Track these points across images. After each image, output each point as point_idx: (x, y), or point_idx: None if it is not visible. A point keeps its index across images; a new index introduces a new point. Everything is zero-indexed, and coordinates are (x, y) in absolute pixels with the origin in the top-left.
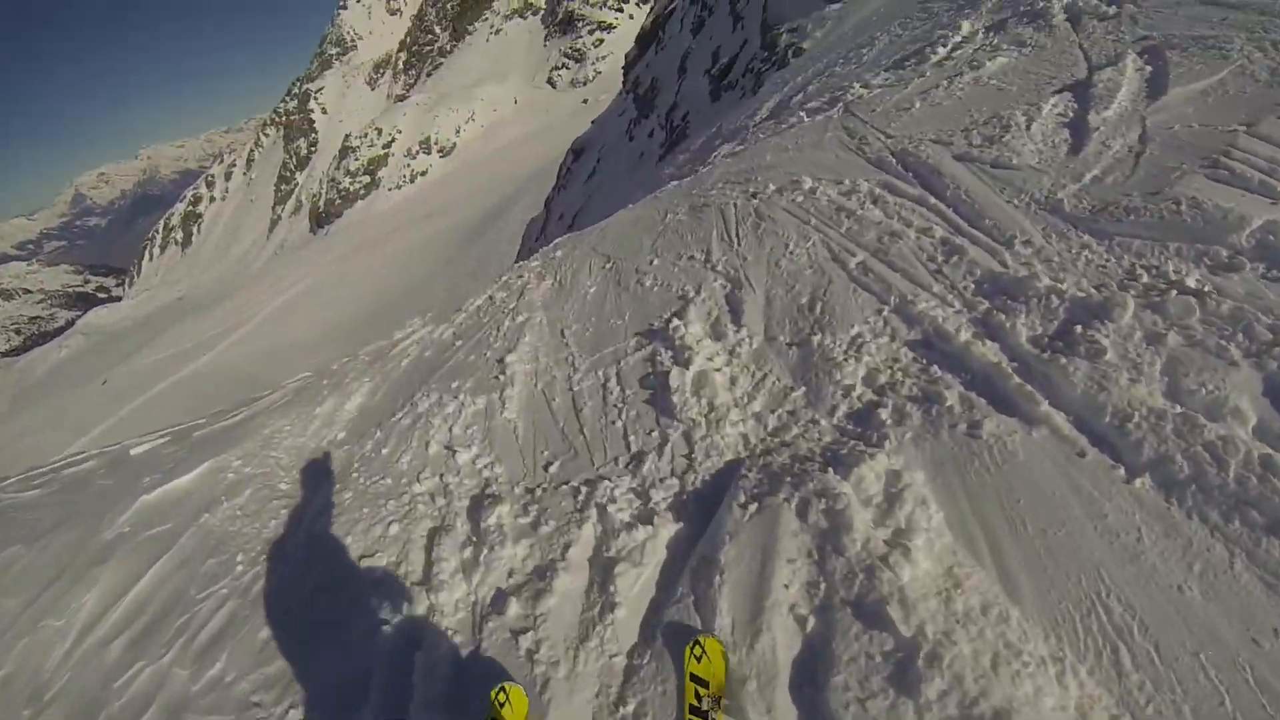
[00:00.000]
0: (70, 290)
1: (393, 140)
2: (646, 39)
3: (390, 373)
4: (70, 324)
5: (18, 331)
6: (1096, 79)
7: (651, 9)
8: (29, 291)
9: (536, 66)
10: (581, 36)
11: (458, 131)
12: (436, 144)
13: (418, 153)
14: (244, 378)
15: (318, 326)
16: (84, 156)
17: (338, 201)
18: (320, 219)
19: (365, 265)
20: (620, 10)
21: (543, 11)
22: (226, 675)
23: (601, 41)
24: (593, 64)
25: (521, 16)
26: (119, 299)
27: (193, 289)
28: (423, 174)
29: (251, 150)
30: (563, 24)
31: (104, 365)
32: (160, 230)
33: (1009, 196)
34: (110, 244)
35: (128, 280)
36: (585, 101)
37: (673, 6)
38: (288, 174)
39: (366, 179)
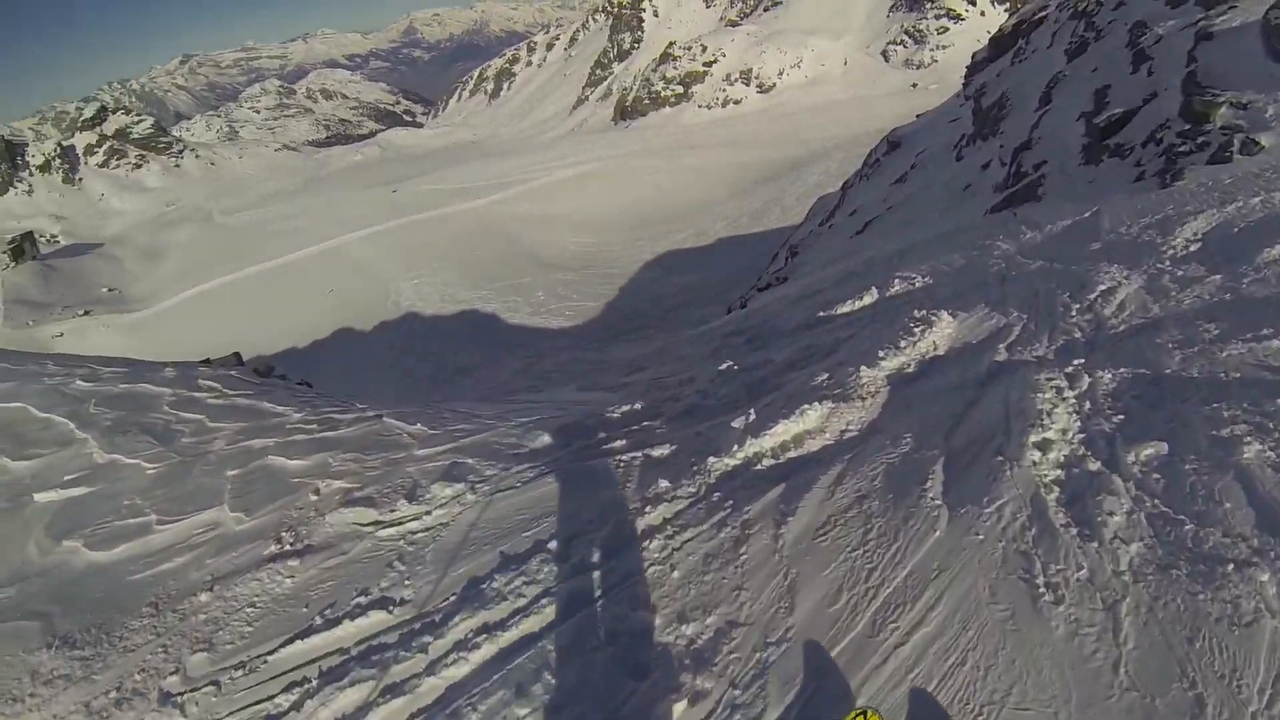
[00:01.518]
0: (381, 106)
1: (714, 61)
2: (1003, 43)
3: None
4: (372, 135)
5: (327, 128)
6: None
7: (1013, 10)
8: (345, 97)
9: (874, 34)
10: (926, 18)
11: (780, 73)
12: (757, 79)
13: (736, 81)
14: (507, 232)
15: (589, 210)
16: None
17: (645, 102)
18: (625, 113)
19: (653, 169)
20: (973, 4)
21: None
22: None
23: (946, 30)
24: (931, 50)
25: None
26: (420, 126)
27: (487, 138)
28: (736, 103)
29: (578, 30)
30: None
31: (389, 178)
32: (474, 77)
33: None
34: (427, 78)
35: (433, 112)
36: (914, 86)
37: (1044, 13)
38: (605, 61)
39: (679, 89)
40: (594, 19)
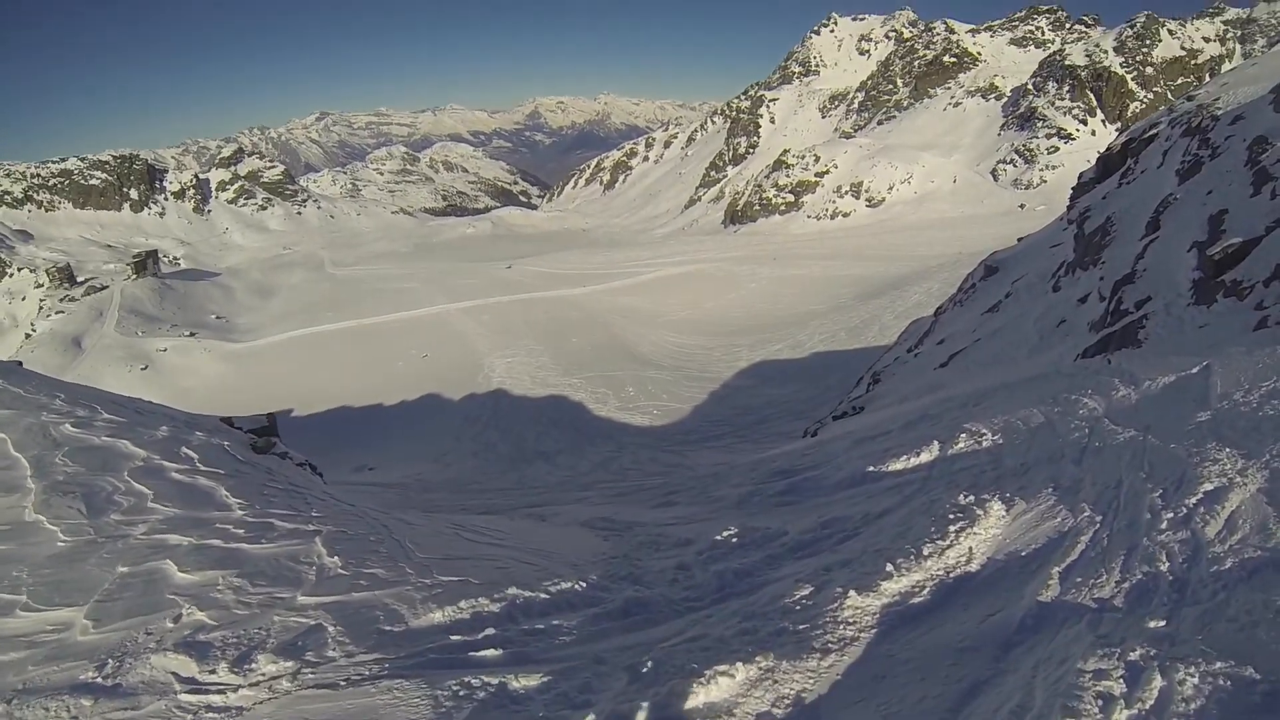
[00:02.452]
0: (498, 184)
1: (827, 172)
2: (1111, 163)
3: None
4: (486, 210)
5: (444, 198)
6: None
7: (1123, 127)
8: (465, 170)
9: (984, 153)
10: (1037, 137)
11: (891, 188)
12: (867, 192)
13: (846, 193)
14: (606, 322)
15: (689, 311)
16: (548, 81)
17: (756, 208)
18: (735, 216)
19: (757, 275)
20: (1084, 123)
21: (1005, 100)
22: None
23: (1056, 150)
24: (1040, 170)
25: (984, 97)
26: (534, 208)
27: (598, 226)
28: (845, 215)
29: (696, 130)
30: (1022, 118)
31: (498, 254)
32: (591, 166)
33: None
34: (546, 162)
35: (548, 196)
36: (1022, 207)
37: (1155, 130)
38: (720, 164)
39: (790, 198)
40: (712, 121)
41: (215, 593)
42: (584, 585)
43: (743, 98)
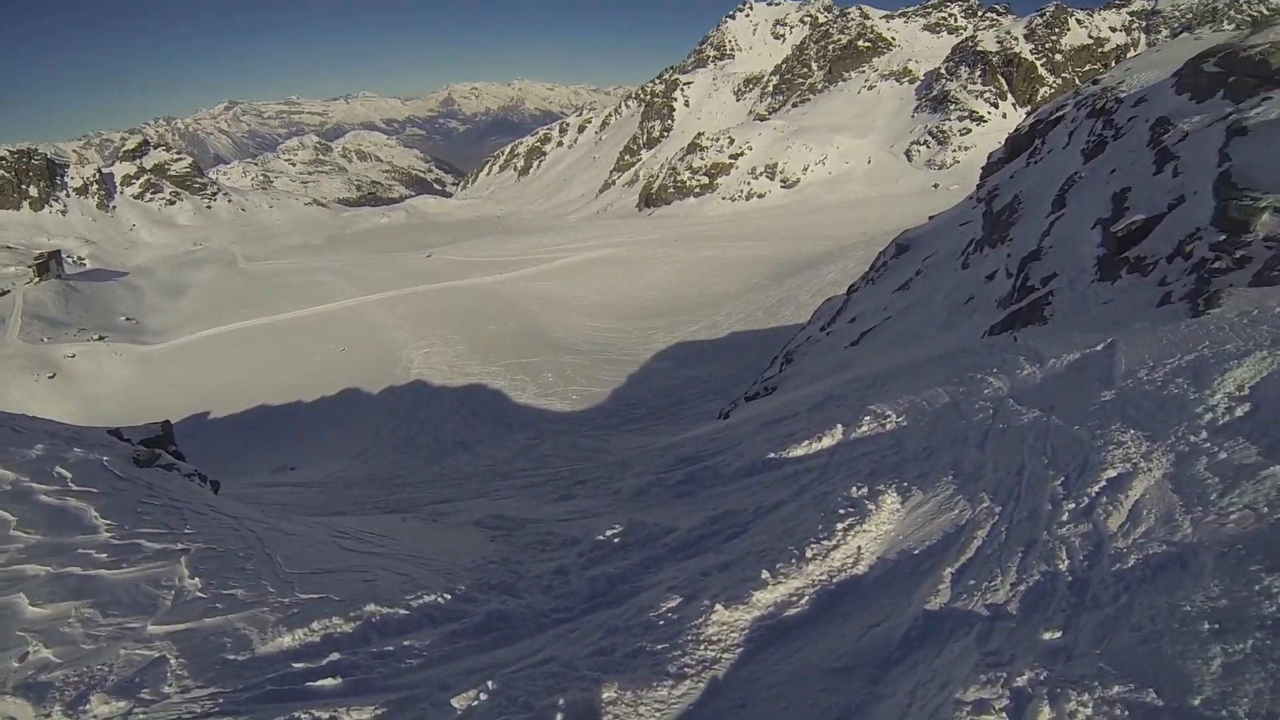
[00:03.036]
0: (412, 172)
1: (741, 154)
2: (1019, 143)
3: None
4: (401, 199)
5: (358, 188)
6: None
7: (1032, 110)
8: (379, 160)
9: (898, 134)
10: (950, 120)
11: (805, 169)
12: (781, 173)
13: (761, 175)
14: (522, 309)
15: (605, 295)
16: (462, 68)
17: (670, 190)
18: (650, 200)
19: (673, 258)
20: (996, 106)
21: (919, 83)
22: None
23: (968, 131)
24: (953, 151)
25: (898, 80)
26: (449, 195)
27: (513, 213)
28: (760, 196)
29: (610, 115)
30: (935, 100)
31: (412, 244)
32: (505, 152)
33: None
34: (460, 149)
35: (463, 183)
36: (935, 186)
37: (1061, 112)
38: (634, 148)
39: (705, 180)
40: (627, 105)
41: (65, 626)
42: (449, 597)
43: (657, 82)
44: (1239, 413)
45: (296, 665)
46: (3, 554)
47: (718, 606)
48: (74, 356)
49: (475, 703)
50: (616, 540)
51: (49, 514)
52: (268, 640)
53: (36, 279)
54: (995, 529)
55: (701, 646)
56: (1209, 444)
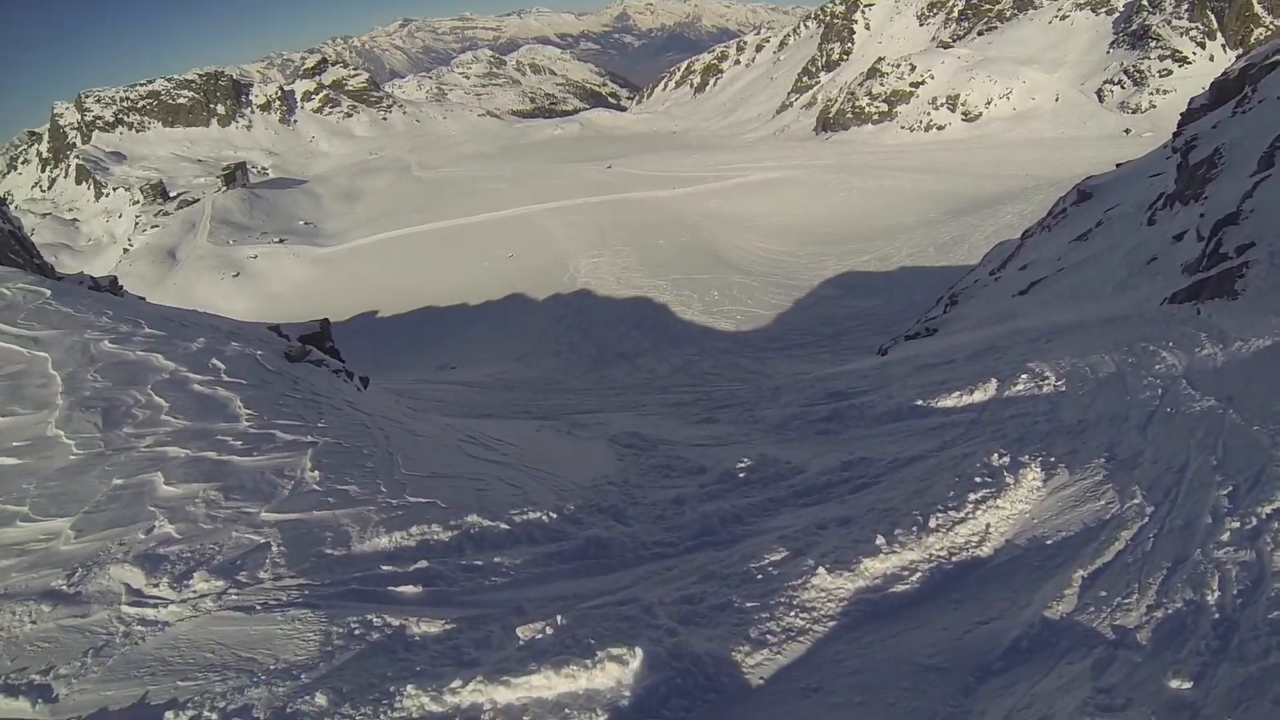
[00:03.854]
0: (587, 86)
1: (923, 82)
2: (1227, 89)
3: None
4: (575, 112)
5: (532, 100)
6: None
7: (1244, 53)
8: (553, 73)
9: (1090, 71)
10: (1149, 58)
11: (988, 103)
12: (963, 105)
13: (942, 106)
14: (693, 225)
15: (778, 218)
16: None
17: (849, 116)
18: (827, 124)
19: (848, 185)
20: (1202, 47)
21: (1117, 15)
22: None
23: (1169, 73)
24: (1150, 94)
25: (1094, 11)
26: (623, 110)
27: (688, 130)
28: (939, 128)
29: (789, 35)
30: (1134, 35)
31: (586, 156)
32: (681, 69)
33: None
34: (635, 64)
35: (637, 98)
36: (1127, 132)
37: (1278, 58)
38: (813, 69)
39: (884, 108)
40: (806, 25)
41: (191, 505)
42: (555, 516)
43: (837, 2)
44: None
45: (385, 568)
46: (151, 435)
47: (821, 569)
48: (255, 257)
49: (540, 635)
50: (743, 475)
51: (199, 402)
52: (366, 539)
53: (224, 188)
54: (1143, 533)
55: (793, 612)
56: None
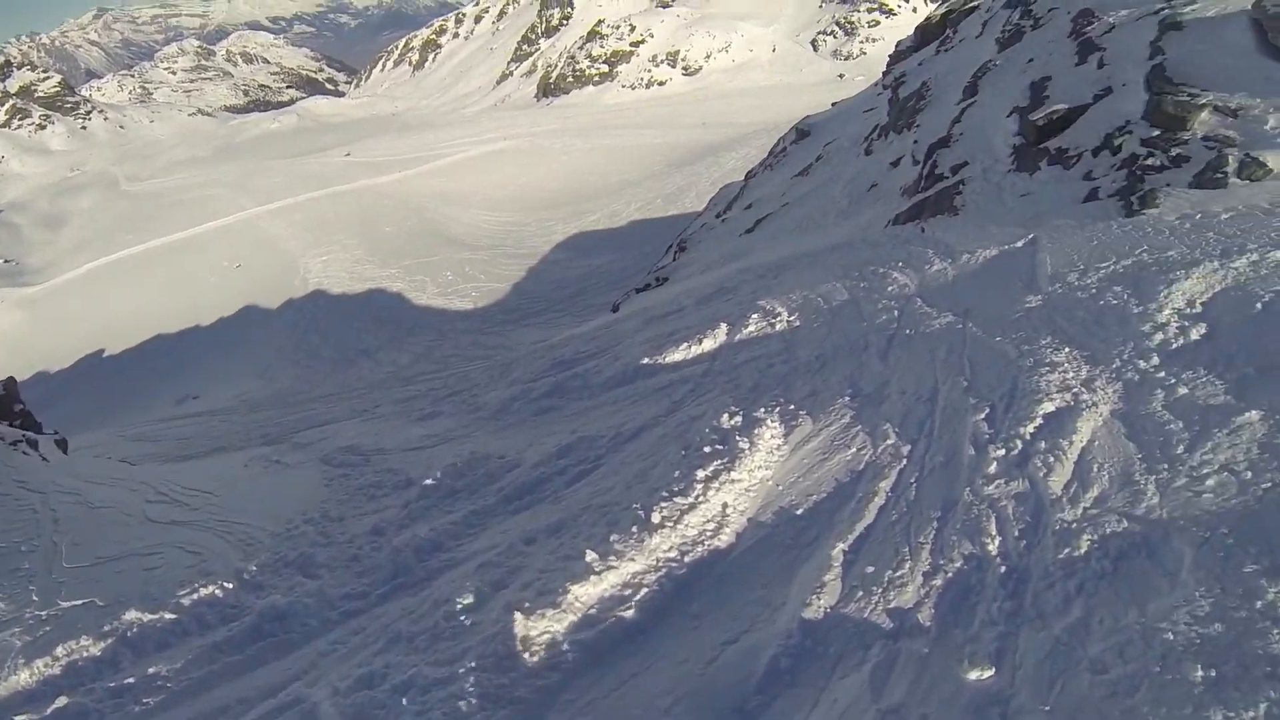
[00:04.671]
0: (303, 73)
1: (642, 42)
2: (929, 32)
3: None
4: (292, 102)
5: (245, 93)
6: None
7: (943, 4)
8: (267, 61)
9: (805, 24)
10: (858, 10)
11: (708, 57)
12: (683, 61)
13: (662, 62)
14: (418, 208)
15: (502, 188)
16: None
17: (569, 79)
18: (548, 89)
19: (571, 148)
20: (907, 0)
21: None
22: None
23: (877, 24)
24: (860, 42)
25: None
26: (342, 95)
27: (408, 110)
28: (660, 84)
29: (508, 4)
30: None
31: (306, 148)
32: (399, 47)
33: None
34: (352, 45)
35: (355, 82)
36: (841, 76)
37: (976, 2)
38: (533, 37)
39: (605, 69)
40: None
41: None
42: (230, 586)
43: None
44: (1194, 335)
45: (16, 719)
46: None
47: (517, 615)
48: None
49: None
50: (450, 482)
51: None
52: (3, 678)
53: None
54: (903, 479)
55: (489, 674)
56: (1163, 373)
